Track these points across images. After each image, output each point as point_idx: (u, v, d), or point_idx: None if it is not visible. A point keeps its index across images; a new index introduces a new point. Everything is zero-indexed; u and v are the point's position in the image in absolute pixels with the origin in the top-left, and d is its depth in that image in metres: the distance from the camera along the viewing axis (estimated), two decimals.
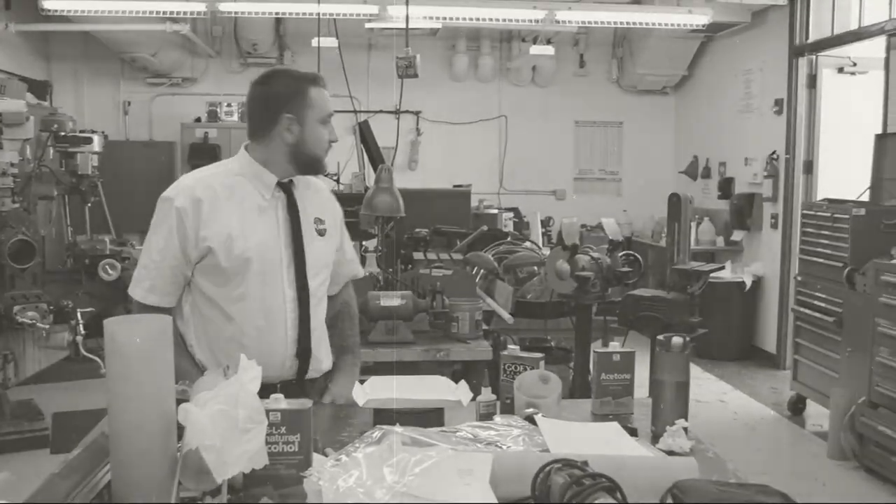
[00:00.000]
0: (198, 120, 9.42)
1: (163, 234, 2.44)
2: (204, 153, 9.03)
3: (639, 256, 4.65)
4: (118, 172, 7.85)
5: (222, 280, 2.45)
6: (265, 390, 1.81)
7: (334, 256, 2.71)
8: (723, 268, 6.95)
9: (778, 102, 7.83)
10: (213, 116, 9.39)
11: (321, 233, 2.60)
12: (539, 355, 2.49)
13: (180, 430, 1.63)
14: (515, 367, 2.46)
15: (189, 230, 2.42)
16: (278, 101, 2.48)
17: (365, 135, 5.73)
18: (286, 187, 2.56)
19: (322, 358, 2.65)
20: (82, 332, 5.33)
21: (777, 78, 7.85)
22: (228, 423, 1.60)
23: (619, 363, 2.46)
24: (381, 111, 9.09)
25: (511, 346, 2.58)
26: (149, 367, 1.61)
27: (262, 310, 2.48)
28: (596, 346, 2.71)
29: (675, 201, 5.95)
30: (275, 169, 2.53)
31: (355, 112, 7.00)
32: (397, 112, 6.62)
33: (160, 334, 1.65)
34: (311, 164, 2.55)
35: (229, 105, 9.38)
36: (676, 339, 2.27)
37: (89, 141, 5.98)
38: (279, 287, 2.50)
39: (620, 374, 2.46)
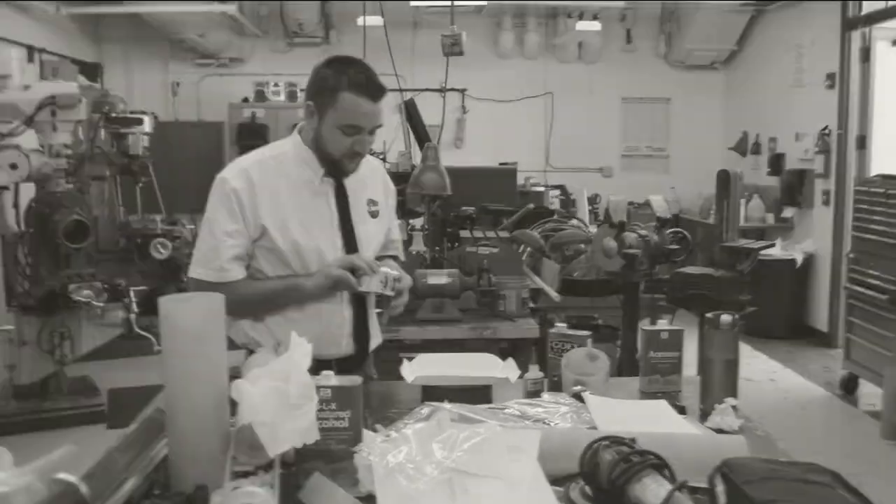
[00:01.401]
0: (245, 100, 9.50)
1: (225, 214, 2.44)
2: (252, 133, 9.11)
3: (687, 234, 4.60)
4: (168, 153, 7.93)
5: (278, 260, 2.48)
6: (322, 367, 1.84)
7: (383, 237, 2.73)
8: (773, 245, 6.87)
9: (830, 77, 7.69)
10: (260, 96, 9.47)
11: (373, 214, 2.61)
12: (587, 333, 2.49)
13: (233, 406, 1.66)
14: (563, 345, 2.47)
15: (247, 210, 2.43)
16: (313, 86, 2.47)
17: (411, 113, 5.72)
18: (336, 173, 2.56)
19: (374, 334, 2.69)
20: (135, 309, 5.43)
21: (829, 51, 7.70)
22: (280, 400, 1.63)
23: (667, 341, 2.45)
24: (426, 89, 9.07)
25: (558, 324, 2.58)
26: (203, 345, 1.64)
27: None
28: (643, 324, 2.70)
29: (723, 178, 5.87)
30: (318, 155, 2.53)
31: (401, 90, 7.00)
32: (443, 90, 6.61)
33: (214, 312, 1.68)
34: (327, 162, 2.51)
35: (276, 85, 9.45)
36: (726, 317, 2.26)
37: (140, 122, 6.05)
38: (332, 269, 2.51)
39: (669, 352, 2.45)
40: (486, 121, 9.93)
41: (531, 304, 4.11)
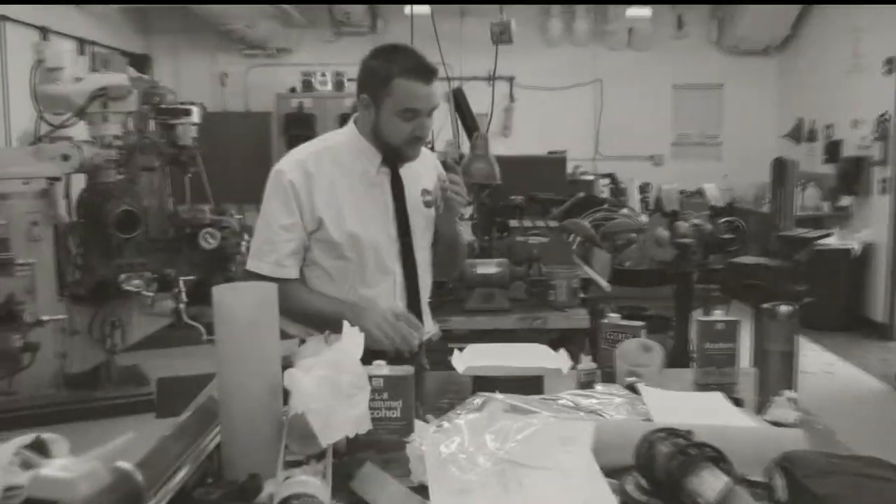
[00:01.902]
0: (293, 90, 9.57)
1: (281, 207, 2.47)
2: (299, 123, 9.19)
3: (741, 223, 4.54)
4: (216, 143, 8.02)
5: (334, 253, 2.50)
6: (376, 358, 1.85)
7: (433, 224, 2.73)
8: (830, 234, 6.76)
9: (889, 61, 7.53)
10: (307, 86, 9.53)
11: (428, 204, 2.61)
12: (640, 323, 2.47)
13: (286, 395, 1.67)
14: (616, 336, 2.45)
15: (304, 202, 2.45)
16: (364, 79, 2.48)
17: (459, 102, 5.71)
18: (392, 163, 2.57)
19: (427, 323, 2.69)
20: (185, 299, 5.50)
21: (888, 35, 7.54)
22: (332, 389, 1.63)
23: (723, 332, 2.43)
24: (474, 78, 9.06)
25: (611, 314, 2.56)
26: (255, 334, 1.66)
27: (373, 282, 2.53)
28: (698, 315, 2.68)
29: (778, 166, 5.80)
30: (375, 145, 2.54)
31: (449, 79, 6.99)
32: (491, 78, 6.60)
33: (266, 301, 1.69)
34: (387, 151, 2.52)
35: (323, 75, 9.50)
36: (784, 307, 2.23)
37: (189, 113, 6.12)
38: (389, 260, 2.55)
39: (724, 343, 2.43)
40: (535, 109, 9.90)
41: (582, 294, 4.09)
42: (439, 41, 5.35)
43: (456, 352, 2.40)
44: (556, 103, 9.94)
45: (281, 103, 9.49)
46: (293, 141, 9.44)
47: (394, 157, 2.53)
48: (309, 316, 2.47)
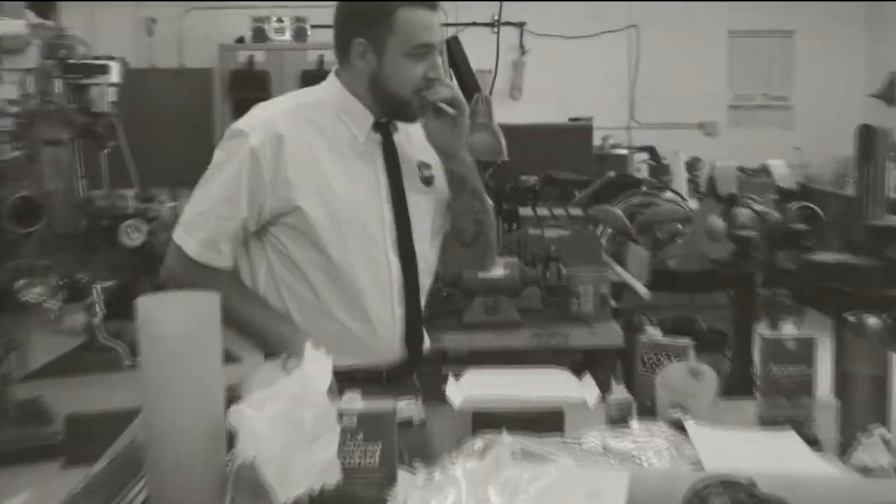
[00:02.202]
0: (240, 40, 9.56)
1: (229, 177, 2.47)
2: (249, 82, 9.20)
3: (818, 209, 4.56)
4: (142, 109, 8.02)
5: (309, 242, 2.51)
6: (370, 379, 1.86)
7: (439, 208, 2.75)
8: None
9: None
10: (259, 36, 9.52)
11: (427, 181, 2.64)
12: (687, 341, 2.47)
13: (231, 437, 1.67)
14: (656, 358, 2.45)
15: (266, 176, 2.45)
16: (354, 19, 2.52)
17: (455, 55, 5.71)
18: (384, 127, 2.60)
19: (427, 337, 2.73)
20: (101, 312, 5.49)
21: None
22: (292, 429, 1.63)
23: (793, 352, 2.43)
24: (474, 23, 9.07)
25: (650, 330, 2.56)
26: (192, 358, 1.65)
27: (362, 280, 2.54)
28: (762, 329, 2.68)
29: (865, 135, 5.78)
30: (366, 103, 2.57)
31: (442, 25, 7.00)
32: (496, 24, 6.60)
33: (206, 316, 1.69)
34: (393, 106, 2.55)
35: (280, 21, 9.49)
36: (872, 320, 2.23)
37: (105, 70, 6.10)
38: (381, 252, 2.56)
39: (795, 366, 2.42)
40: (552, 64, 9.90)
41: (613, 304, 4.10)
42: None
43: (451, 379, 2.40)
44: (579, 56, 9.94)
45: (225, 57, 9.48)
46: (241, 106, 9.42)
47: (400, 114, 2.57)
48: (230, 321, 2.49)
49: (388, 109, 2.56)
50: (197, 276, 2.48)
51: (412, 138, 2.67)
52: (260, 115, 2.53)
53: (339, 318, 2.53)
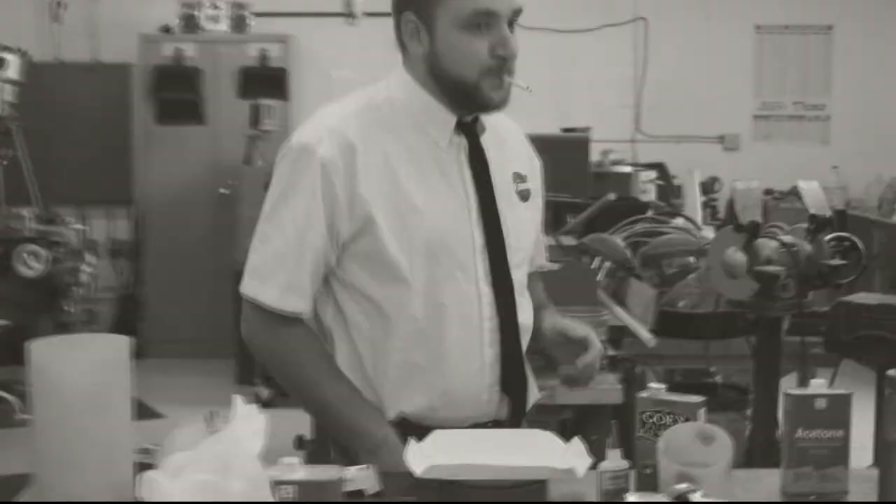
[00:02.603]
0: (166, 30, 9.55)
1: (302, 202, 2.44)
2: (176, 80, 9.20)
3: (858, 241, 4.58)
4: (47, 111, 7.99)
5: (386, 270, 2.47)
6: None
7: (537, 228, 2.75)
8: None
9: None
10: (189, 25, 9.50)
11: (524, 195, 2.62)
12: (698, 399, 2.48)
13: None
14: (659, 418, 2.46)
15: (340, 193, 2.42)
16: None
17: None
18: (469, 129, 2.55)
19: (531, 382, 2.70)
20: None
21: None
22: (216, 502, 1.63)
23: (825, 412, 2.44)
24: None
25: (653, 385, 2.57)
26: (98, 417, 1.64)
27: (448, 316, 2.51)
28: (788, 385, 2.70)
29: None
30: (441, 99, 2.52)
31: None
32: None
33: (114, 363, 1.68)
34: (461, 95, 2.49)
35: (215, 7, 9.48)
36: None
37: (0, 64, 6.09)
38: (472, 282, 2.53)
39: (828, 430, 2.44)
40: (543, 63, 9.91)
41: (611, 351, 4.10)
42: None
43: (411, 442, 2.40)
44: (575, 54, 9.98)
45: (148, 50, 9.47)
46: (167, 108, 9.47)
47: (472, 104, 2.51)
48: (308, 404, 2.54)
49: (459, 101, 2.49)
50: (281, 331, 2.48)
51: (505, 144, 2.64)
52: (325, 122, 2.50)
53: (418, 363, 2.50)
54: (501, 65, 2.44)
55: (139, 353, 8.88)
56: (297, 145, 2.47)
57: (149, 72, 9.38)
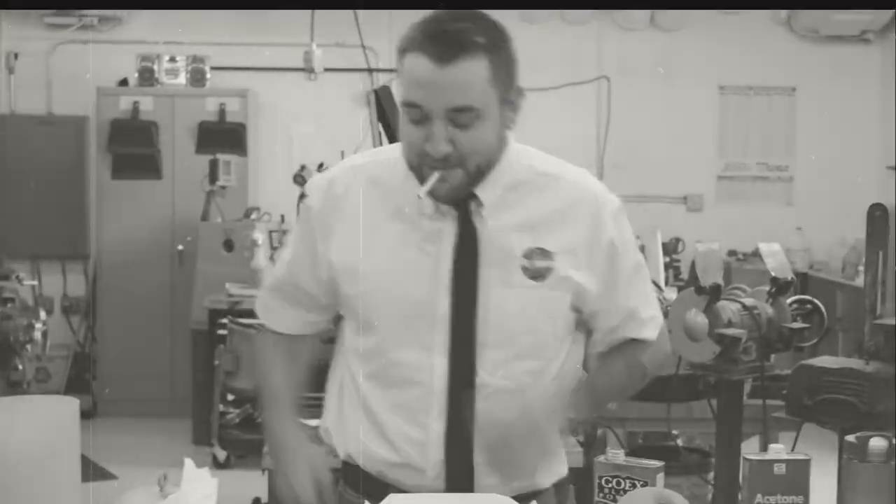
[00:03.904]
0: (124, 83, 9.55)
1: (297, 241, 2.67)
2: (133, 135, 9.18)
3: (820, 305, 4.60)
4: None
5: (353, 325, 2.57)
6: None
7: (570, 313, 2.61)
8: None
9: None
10: (146, 77, 9.51)
11: (537, 275, 2.50)
12: (657, 463, 2.48)
13: None
14: (618, 482, 2.46)
15: (318, 238, 2.55)
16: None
17: (384, 107, 5.76)
18: (463, 198, 2.48)
19: (529, 468, 2.57)
20: None
21: None
22: None
23: (784, 478, 2.45)
24: None
25: (611, 450, 2.58)
26: (45, 478, 1.63)
27: (395, 377, 2.51)
28: (751, 448, 2.70)
29: (879, 216, 5.88)
30: None
31: (370, 71, 7.05)
32: None
33: (63, 426, 1.67)
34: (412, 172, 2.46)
35: (173, 60, 9.49)
36: (877, 442, 2.26)
37: None
38: (424, 351, 2.49)
39: (787, 496, 2.45)
40: None
41: (568, 415, 4.10)
42: (357, 15, 5.43)
43: None
44: (537, 111, 9.87)
45: (105, 104, 9.47)
46: (123, 162, 9.42)
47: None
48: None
49: (417, 178, 2.44)
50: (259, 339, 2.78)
51: (541, 215, 2.54)
52: (328, 173, 2.65)
53: (373, 423, 2.54)
54: (431, 162, 2.36)
55: (93, 413, 8.85)
56: (302, 193, 2.69)
57: (105, 126, 9.37)
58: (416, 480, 2.50)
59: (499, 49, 2.41)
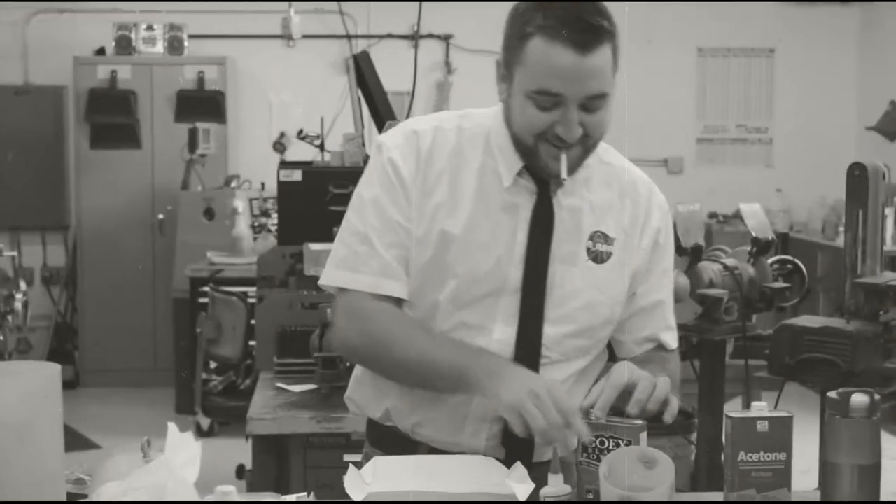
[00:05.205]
0: (101, 52, 9.51)
1: (383, 196, 2.52)
2: (111, 104, 9.15)
3: (801, 264, 4.61)
4: None
5: (415, 286, 2.53)
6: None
7: (623, 298, 2.63)
8: None
9: None
10: (124, 46, 9.46)
11: (598, 257, 2.56)
12: (639, 422, 2.48)
13: None
14: (602, 442, 2.46)
15: (411, 189, 2.50)
16: (504, 34, 2.51)
17: (364, 74, 5.74)
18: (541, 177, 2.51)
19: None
20: None
21: None
22: None
23: (767, 435, 2.44)
24: (389, 36, 9.11)
25: (595, 410, 2.58)
26: (26, 451, 1.62)
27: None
28: (733, 409, 2.71)
29: (858, 175, 5.89)
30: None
31: (349, 37, 7.02)
32: (415, 37, 6.65)
33: (44, 391, 1.66)
34: (517, 147, 2.47)
35: (150, 28, 9.44)
36: (859, 398, 2.26)
37: None
38: (490, 323, 2.52)
39: (770, 453, 2.45)
40: (484, 86, 9.78)
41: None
42: None
43: (352, 468, 2.39)
44: None
45: (82, 73, 9.43)
46: (102, 131, 9.39)
47: (530, 164, 2.48)
48: (409, 367, 2.49)
49: (520, 155, 2.48)
50: (381, 313, 2.51)
51: (601, 200, 2.60)
52: (407, 126, 2.59)
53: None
54: (558, 143, 2.40)
55: (75, 383, 8.84)
56: (377, 144, 2.57)
57: (82, 95, 9.34)
58: (455, 437, 2.54)
59: (615, 33, 2.48)
